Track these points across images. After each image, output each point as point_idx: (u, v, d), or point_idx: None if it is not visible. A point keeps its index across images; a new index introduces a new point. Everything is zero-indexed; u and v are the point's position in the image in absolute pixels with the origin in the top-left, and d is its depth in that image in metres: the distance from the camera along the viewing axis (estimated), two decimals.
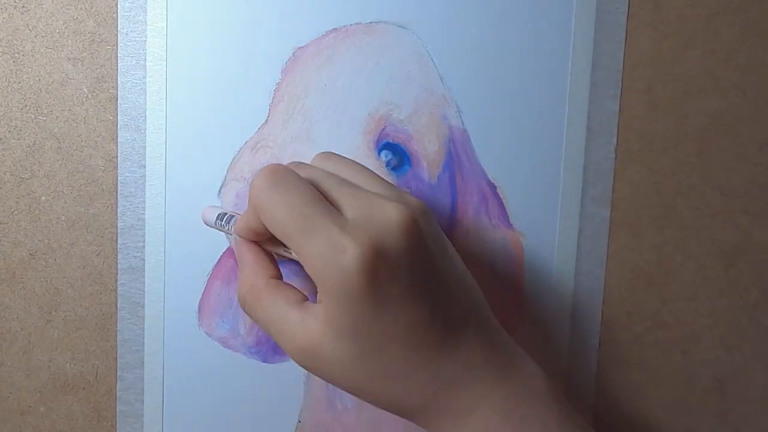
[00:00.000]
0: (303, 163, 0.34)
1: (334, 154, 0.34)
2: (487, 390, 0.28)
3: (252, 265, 0.32)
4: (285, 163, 0.38)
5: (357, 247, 0.26)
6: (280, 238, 0.29)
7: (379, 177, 0.32)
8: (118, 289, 0.40)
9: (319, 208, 0.28)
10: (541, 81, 0.39)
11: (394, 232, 0.27)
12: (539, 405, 0.29)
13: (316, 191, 0.29)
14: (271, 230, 0.29)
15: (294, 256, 0.30)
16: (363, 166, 0.33)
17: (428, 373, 0.28)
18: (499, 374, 0.29)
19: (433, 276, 0.29)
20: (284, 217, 0.28)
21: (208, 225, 0.37)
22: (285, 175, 0.29)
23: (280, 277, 0.32)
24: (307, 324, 0.28)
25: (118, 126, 0.39)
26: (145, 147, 0.39)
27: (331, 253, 0.26)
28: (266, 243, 0.33)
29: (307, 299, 0.30)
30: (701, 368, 0.40)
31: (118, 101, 0.39)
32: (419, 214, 0.29)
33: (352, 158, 0.34)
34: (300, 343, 0.28)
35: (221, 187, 0.39)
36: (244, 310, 0.32)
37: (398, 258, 0.27)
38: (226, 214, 0.36)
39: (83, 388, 0.41)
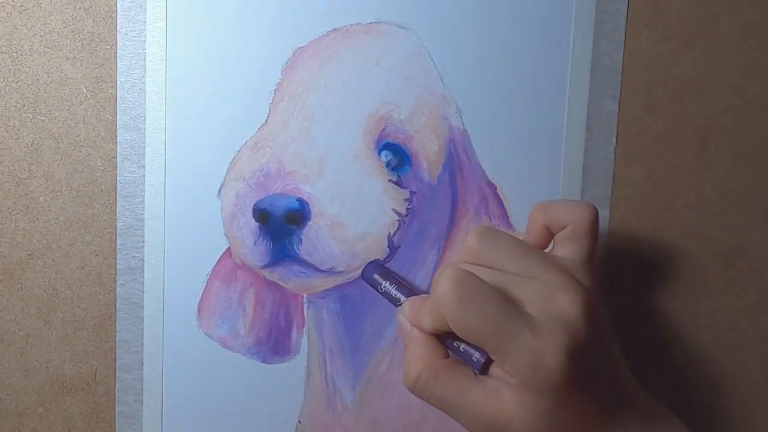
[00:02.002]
0: (471, 254, 0.34)
1: (491, 231, 0.34)
2: None
3: (427, 344, 0.34)
4: (286, 162, 0.38)
5: (555, 351, 0.29)
6: (474, 341, 0.31)
7: (541, 253, 0.34)
8: (117, 289, 0.40)
9: (510, 315, 0.30)
10: (540, 81, 0.39)
11: (577, 324, 0.30)
12: None
13: (503, 297, 0.31)
14: (462, 336, 0.31)
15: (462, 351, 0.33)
16: (521, 243, 0.34)
17: None
18: None
19: (607, 357, 0.32)
20: (480, 327, 0.30)
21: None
22: (473, 284, 0.31)
23: (447, 357, 0.34)
24: (493, 403, 0.31)
25: (118, 126, 0.39)
26: (144, 147, 0.39)
27: (532, 357, 0.29)
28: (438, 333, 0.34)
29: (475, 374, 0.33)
30: (700, 368, 0.40)
31: (118, 101, 0.39)
32: (591, 296, 0.32)
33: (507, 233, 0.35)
34: (487, 420, 0.31)
35: (221, 187, 0.39)
36: (416, 388, 0.33)
37: (584, 347, 0.30)
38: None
39: (82, 389, 0.41)
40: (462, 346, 0.33)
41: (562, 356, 0.29)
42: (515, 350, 0.30)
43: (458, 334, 0.31)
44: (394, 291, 0.37)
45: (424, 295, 0.36)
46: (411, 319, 0.34)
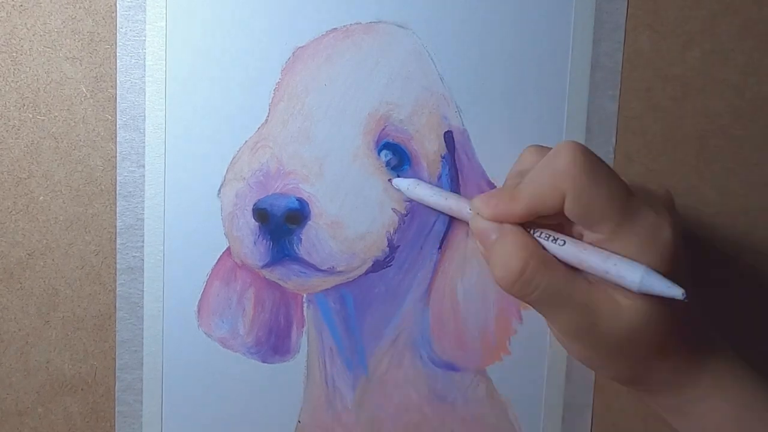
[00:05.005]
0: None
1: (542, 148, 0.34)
2: (720, 370, 0.33)
3: (525, 234, 0.32)
4: (286, 162, 0.38)
5: (670, 224, 0.30)
6: (590, 220, 0.30)
7: None
8: (117, 289, 0.40)
9: (630, 191, 0.31)
10: (540, 81, 0.39)
11: (674, 214, 0.31)
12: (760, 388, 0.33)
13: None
14: (581, 212, 0.30)
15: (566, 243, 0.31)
16: None
17: (691, 345, 0.32)
18: (726, 356, 0.33)
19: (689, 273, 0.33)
20: (609, 198, 0.30)
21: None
22: (597, 157, 0.31)
23: None
24: (600, 290, 0.30)
25: (117, 125, 0.39)
26: (144, 146, 0.39)
27: (654, 230, 0.30)
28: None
29: None
30: None
31: (117, 101, 0.39)
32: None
33: None
34: (594, 309, 0.30)
35: (221, 187, 0.39)
36: (521, 280, 0.31)
37: (680, 235, 0.31)
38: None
39: (81, 389, 0.41)
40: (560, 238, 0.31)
41: (675, 233, 0.30)
42: (638, 223, 0.30)
43: (575, 210, 0.30)
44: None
45: (493, 190, 0.34)
46: (495, 212, 0.32)
